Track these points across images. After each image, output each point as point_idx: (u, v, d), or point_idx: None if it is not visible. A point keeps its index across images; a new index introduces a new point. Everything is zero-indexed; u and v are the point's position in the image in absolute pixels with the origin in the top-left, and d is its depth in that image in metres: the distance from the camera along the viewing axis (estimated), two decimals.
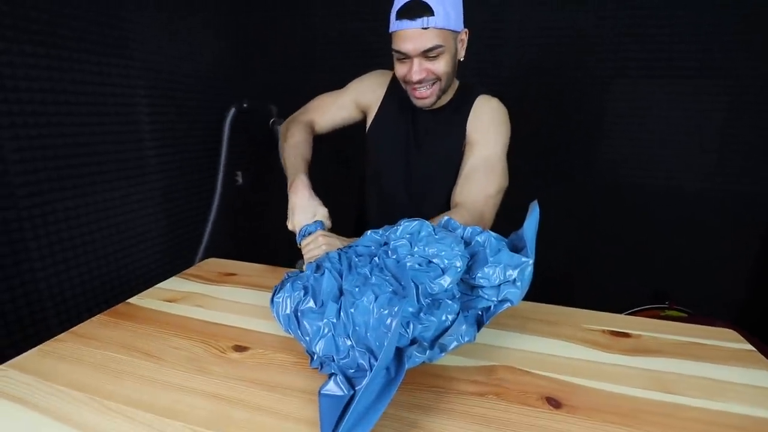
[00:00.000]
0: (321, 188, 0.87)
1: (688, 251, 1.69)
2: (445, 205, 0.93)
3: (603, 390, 0.53)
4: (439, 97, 0.89)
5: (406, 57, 0.82)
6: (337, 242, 0.73)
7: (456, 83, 0.96)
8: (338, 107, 1.02)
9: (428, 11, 0.77)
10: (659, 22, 1.53)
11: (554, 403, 0.51)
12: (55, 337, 0.63)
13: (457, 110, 0.93)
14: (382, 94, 1.00)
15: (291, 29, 1.95)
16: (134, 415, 0.47)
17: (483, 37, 1.68)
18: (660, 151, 1.64)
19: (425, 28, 0.78)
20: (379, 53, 1.67)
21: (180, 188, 1.58)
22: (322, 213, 0.78)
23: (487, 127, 0.91)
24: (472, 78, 1.69)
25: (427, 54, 0.80)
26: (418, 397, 0.51)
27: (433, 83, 0.85)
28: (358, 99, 1.02)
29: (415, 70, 0.82)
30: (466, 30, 0.86)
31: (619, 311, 0.79)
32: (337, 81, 1.67)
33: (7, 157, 1.00)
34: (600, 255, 1.79)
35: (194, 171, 1.66)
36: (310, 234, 0.75)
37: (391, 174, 1.00)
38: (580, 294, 1.81)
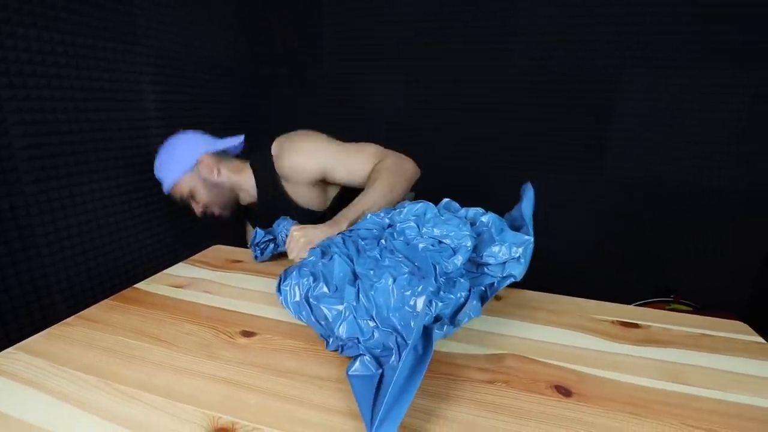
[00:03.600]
0: None
1: (694, 246, 1.68)
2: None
3: (613, 379, 0.53)
4: (225, 208, 1.12)
5: None
6: (315, 232, 0.76)
7: (243, 168, 1.09)
8: None
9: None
10: (664, 9, 1.50)
11: (564, 391, 0.51)
12: (63, 321, 0.63)
13: (265, 181, 1.05)
14: None
15: (301, 19, 1.93)
16: (147, 399, 0.48)
17: (487, 34, 1.66)
18: (667, 146, 1.62)
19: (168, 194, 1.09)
20: (384, 42, 1.65)
21: None
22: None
23: (297, 157, 0.98)
24: (480, 70, 1.68)
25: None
26: (427, 384, 0.51)
27: (209, 208, 1.08)
28: None
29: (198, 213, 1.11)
30: (202, 155, 1.05)
31: (625, 304, 0.79)
32: (345, 72, 1.64)
33: (14, 143, 0.99)
34: (604, 248, 1.78)
35: None
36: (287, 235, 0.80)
37: None
38: (585, 286, 1.80)
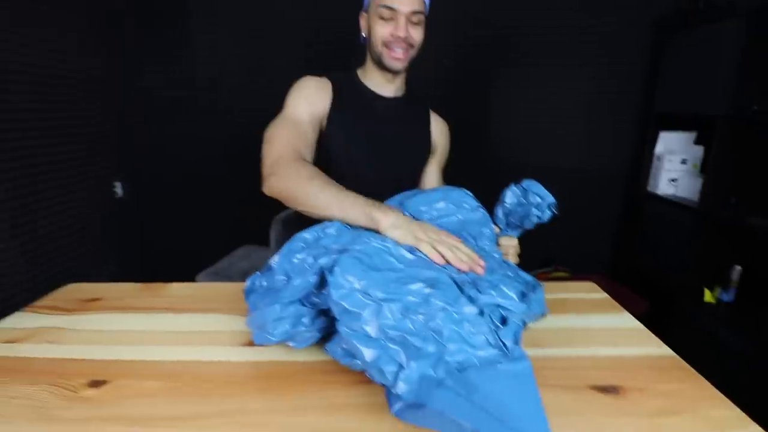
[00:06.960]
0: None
1: (566, 221, 1.89)
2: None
3: None
4: (406, 65, 0.92)
5: (391, 17, 0.86)
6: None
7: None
8: (307, 133, 0.88)
9: None
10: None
11: None
12: None
13: (414, 106, 1.02)
14: (330, 98, 0.93)
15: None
16: None
17: None
18: (538, 135, 1.80)
19: None
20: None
21: (33, 205, 1.36)
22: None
23: (446, 146, 1.07)
24: None
25: (411, 17, 0.86)
26: None
27: (407, 50, 0.89)
28: (313, 113, 0.91)
29: (401, 27, 0.85)
30: None
31: None
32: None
33: None
34: None
35: (49, 187, 1.44)
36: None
37: (360, 165, 0.93)
38: None
